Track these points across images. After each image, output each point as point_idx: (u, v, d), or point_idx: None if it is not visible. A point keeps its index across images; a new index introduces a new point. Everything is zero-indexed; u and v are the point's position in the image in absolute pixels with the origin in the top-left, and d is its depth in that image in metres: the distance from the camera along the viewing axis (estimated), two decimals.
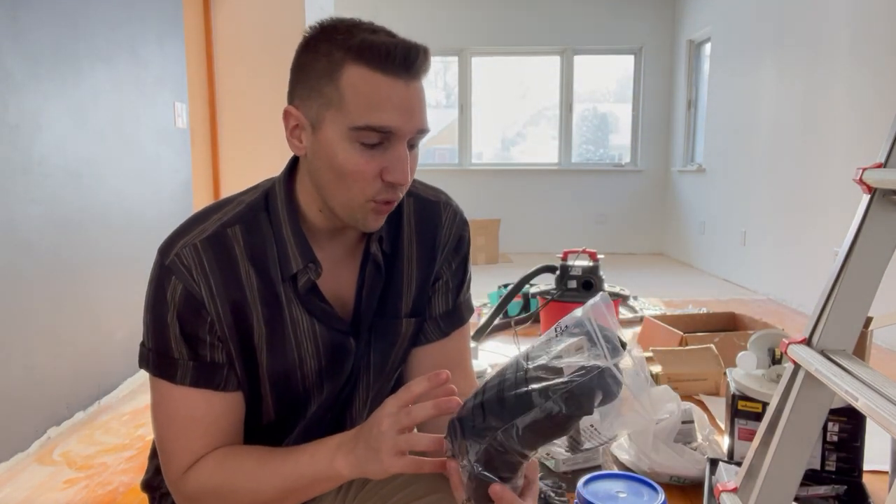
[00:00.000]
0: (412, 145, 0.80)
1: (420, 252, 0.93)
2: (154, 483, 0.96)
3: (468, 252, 0.99)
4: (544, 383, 0.63)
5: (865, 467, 1.59)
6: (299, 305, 0.85)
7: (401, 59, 0.74)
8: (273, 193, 0.86)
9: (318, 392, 0.90)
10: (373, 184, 0.78)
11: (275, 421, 0.91)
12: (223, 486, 0.79)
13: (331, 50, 0.75)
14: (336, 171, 0.78)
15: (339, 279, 0.89)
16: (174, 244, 0.81)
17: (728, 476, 1.48)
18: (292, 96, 0.81)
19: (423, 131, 0.79)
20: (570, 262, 2.78)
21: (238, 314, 0.82)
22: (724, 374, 1.97)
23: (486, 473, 0.66)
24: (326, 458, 0.76)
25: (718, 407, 2.19)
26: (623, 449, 1.79)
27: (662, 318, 2.85)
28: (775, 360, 1.76)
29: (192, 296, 0.80)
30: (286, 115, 0.80)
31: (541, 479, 1.67)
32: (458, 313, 0.97)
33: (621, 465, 1.76)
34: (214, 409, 0.82)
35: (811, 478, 1.53)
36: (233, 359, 0.84)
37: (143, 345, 0.84)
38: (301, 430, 0.92)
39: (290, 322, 0.85)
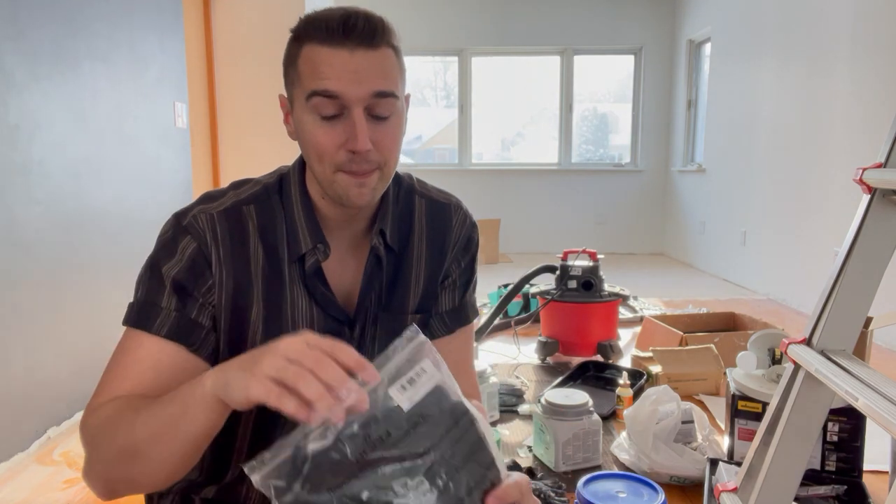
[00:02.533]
0: (379, 116, 0.79)
1: (430, 251, 0.95)
2: None
3: (476, 254, 1.01)
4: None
5: (865, 467, 1.59)
6: (302, 287, 0.87)
7: (338, 28, 0.76)
8: (287, 177, 0.89)
9: None
10: (337, 155, 0.79)
11: (258, 412, 0.90)
12: (108, 425, 0.72)
13: (291, 39, 0.81)
14: (307, 146, 0.82)
15: (345, 269, 0.91)
16: (191, 210, 0.85)
17: (728, 476, 1.48)
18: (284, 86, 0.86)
19: (383, 93, 0.78)
20: (570, 262, 2.78)
21: (239, 288, 0.84)
22: (724, 374, 1.97)
23: None
24: (202, 377, 0.65)
25: (718, 407, 2.19)
26: (623, 449, 1.79)
27: (662, 318, 2.85)
28: (775, 360, 1.76)
29: (203, 256, 0.82)
30: (280, 102, 0.86)
31: (541, 478, 1.67)
32: (463, 312, 0.99)
33: (621, 465, 1.76)
34: (172, 368, 0.78)
35: (811, 478, 1.53)
36: (218, 329, 0.84)
37: (130, 303, 0.82)
38: (291, 423, 0.92)
39: (290, 303, 0.87)
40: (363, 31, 0.76)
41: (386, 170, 0.83)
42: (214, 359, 0.85)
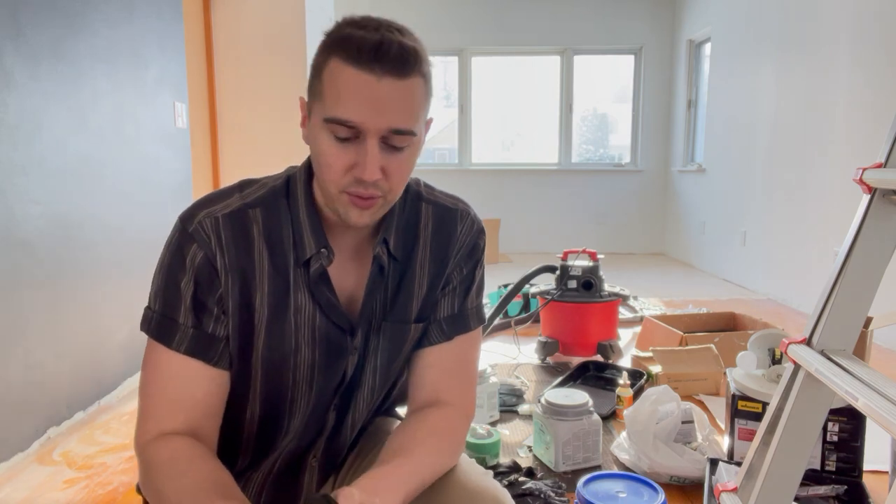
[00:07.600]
0: (394, 146, 0.78)
1: (432, 258, 0.93)
2: None
3: (480, 260, 0.97)
4: None
5: (865, 467, 1.60)
6: (306, 292, 0.86)
7: (370, 53, 0.73)
8: (294, 179, 0.88)
9: (308, 388, 0.90)
10: (344, 177, 0.78)
11: (261, 419, 0.91)
12: (161, 479, 0.79)
13: (322, 45, 0.79)
14: (316, 160, 0.81)
15: (348, 275, 0.90)
16: (197, 213, 0.84)
17: (728, 476, 1.48)
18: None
19: (400, 132, 0.76)
20: (570, 262, 2.78)
21: (244, 293, 0.84)
22: (724, 374, 1.97)
23: None
24: None
25: (718, 407, 2.19)
26: (623, 449, 1.79)
27: (662, 318, 2.85)
28: (775, 360, 1.76)
29: (210, 264, 0.82)
30: (300, 104, 0.84)
31: (541, 478, 1.67)
32: (463, 319, 0.95)
33: (621, 465, 1.76)
34: (199, 382, 0.83)
35: (811, 478, 1.54)
36: (229, 337, 0.85)
37: (148, 308, 0.85)
38: (298, 429, 0.92)
39: (294, 307, 0.86)
40: (395, 60, 0.74)
41: (390, 197, 0.81)
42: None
